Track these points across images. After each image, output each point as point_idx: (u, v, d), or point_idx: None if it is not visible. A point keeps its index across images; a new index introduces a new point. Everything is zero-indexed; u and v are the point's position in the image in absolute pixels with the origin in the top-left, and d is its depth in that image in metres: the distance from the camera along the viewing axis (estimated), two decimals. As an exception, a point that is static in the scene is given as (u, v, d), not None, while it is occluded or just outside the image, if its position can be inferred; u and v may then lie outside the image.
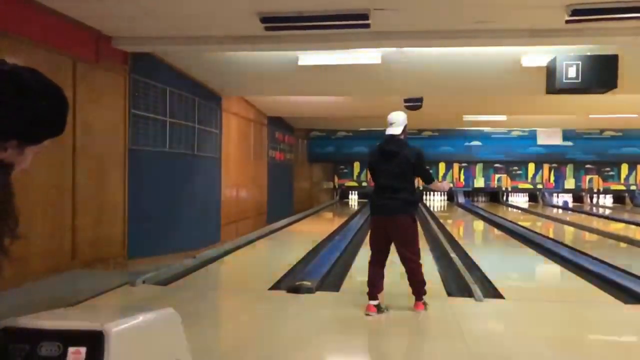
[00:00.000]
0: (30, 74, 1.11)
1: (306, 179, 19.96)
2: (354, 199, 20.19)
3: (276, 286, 5.68)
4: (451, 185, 4.90)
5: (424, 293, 4.59)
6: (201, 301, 5.12)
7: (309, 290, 5.23)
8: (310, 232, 11.26)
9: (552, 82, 6.92)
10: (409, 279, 4.59)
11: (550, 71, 7.02)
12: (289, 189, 17.65)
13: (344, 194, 20.48)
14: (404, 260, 4.55)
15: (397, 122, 4.60)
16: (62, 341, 1.53)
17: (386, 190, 4.53)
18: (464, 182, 19.99)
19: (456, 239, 10.03)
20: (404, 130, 4.62)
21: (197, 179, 9.26)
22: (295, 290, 5.24)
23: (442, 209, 18.46)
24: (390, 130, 4.61)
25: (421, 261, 4.65)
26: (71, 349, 1.51)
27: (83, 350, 1.50)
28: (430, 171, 4.84)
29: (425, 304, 4.60)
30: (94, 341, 1.50)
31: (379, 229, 4.58)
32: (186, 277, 6.15)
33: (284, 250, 8.91)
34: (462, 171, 19.97)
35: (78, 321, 1.61)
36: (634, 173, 19.52)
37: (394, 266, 4.60)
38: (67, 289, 5.35)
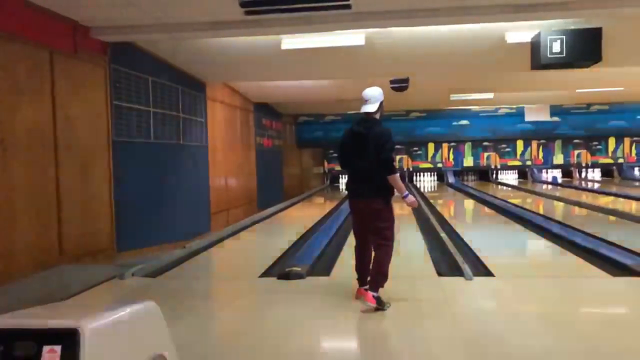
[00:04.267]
0: None
1: (296, 164, 19.89)
2: (344, 182, 20.14)
3: (267, 273, 5.66)
4: (415, 202, 4.33)
5: (381, 286, 4.20)
6: (192, 291, 5.09)
7: (299, 276, 5.22)
8: (301, 217, 11.24)
9: (537, 58, 6.88)
10: (372, 266, 4.25)
11: (535, 46, 6.99)
12: (279, 175, 17.58)
13: (335, 178, 20.45)
14: (375, 246, 4.33)
15: (373, 99, 4.29)
16: (37, 340, 1.49)
17: (359, 174, 4.30)
18: (453, 162, 20.04)
19: (446, 218, 10.05)
20: (379, 108, 4.32)
21: (184, 168, 9.18)
22: (286, 276, 5.22)
23: (433, 189, 18.49)
24: (364, 108, 4.30)
25: (395, 245, 4.34)
26: (46, 348, 1.47)
27: (58, 348, 1.47)
28: (394, 162, 4.24)
29: (380, 301, 4.11)
30: (69, 339, 1.47)
31: (356, 212, 4.41)
32: (176, 268, 6.12)
33: (274, 237, 8.89)
34: (451, 151, 20.01)
35: (53, 319, 1.58)
36: (621, 146, 19.66)
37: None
38: (55, 284, 5.29)
